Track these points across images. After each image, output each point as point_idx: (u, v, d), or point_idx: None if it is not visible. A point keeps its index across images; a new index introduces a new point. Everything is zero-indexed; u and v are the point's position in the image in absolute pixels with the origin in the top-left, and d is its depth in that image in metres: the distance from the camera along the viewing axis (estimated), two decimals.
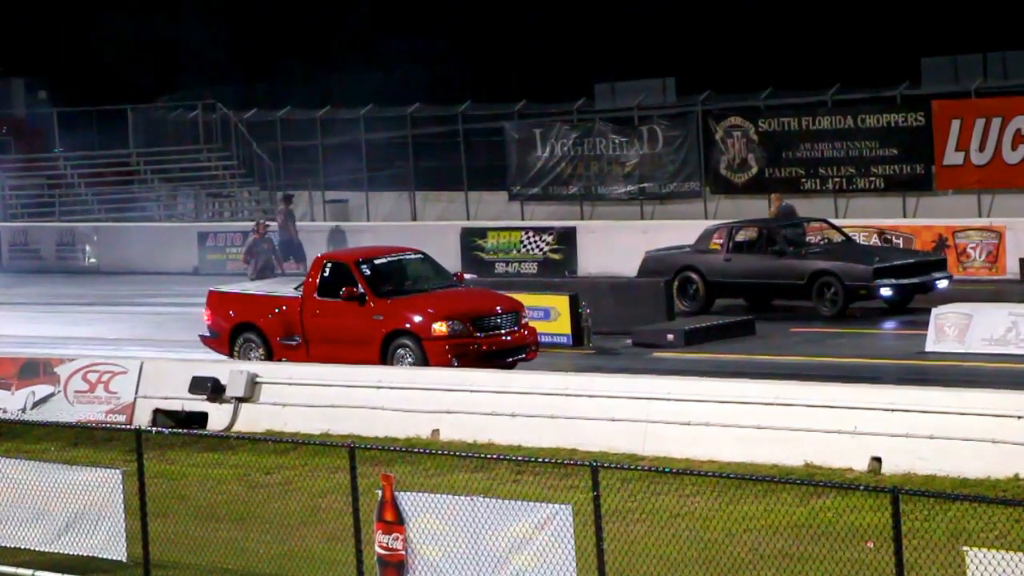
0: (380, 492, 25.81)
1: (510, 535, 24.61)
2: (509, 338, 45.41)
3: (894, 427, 34.59)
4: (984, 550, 21.05)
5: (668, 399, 37.71)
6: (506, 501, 25.91)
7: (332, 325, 46.02)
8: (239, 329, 47.26)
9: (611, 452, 33.10)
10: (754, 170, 64.98)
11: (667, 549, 26.61)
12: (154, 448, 32.47)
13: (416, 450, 33.90)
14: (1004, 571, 21.05)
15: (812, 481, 30.65)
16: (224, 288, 50.47)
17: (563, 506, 24.00)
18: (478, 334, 44.89)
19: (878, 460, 33.21)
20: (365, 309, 45.56)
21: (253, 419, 40.06)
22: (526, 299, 47.08)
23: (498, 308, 46.41)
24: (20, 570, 23.76)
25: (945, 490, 28.72)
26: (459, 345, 44.22)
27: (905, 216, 57.66)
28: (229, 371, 41.83)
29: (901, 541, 20.67)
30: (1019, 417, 33.70)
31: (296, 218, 62.50)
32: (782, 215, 57.05)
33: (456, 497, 26.32)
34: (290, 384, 41.23)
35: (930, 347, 43.33)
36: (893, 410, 35.53)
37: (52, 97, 74.31)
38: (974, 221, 55.95)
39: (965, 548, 21.24)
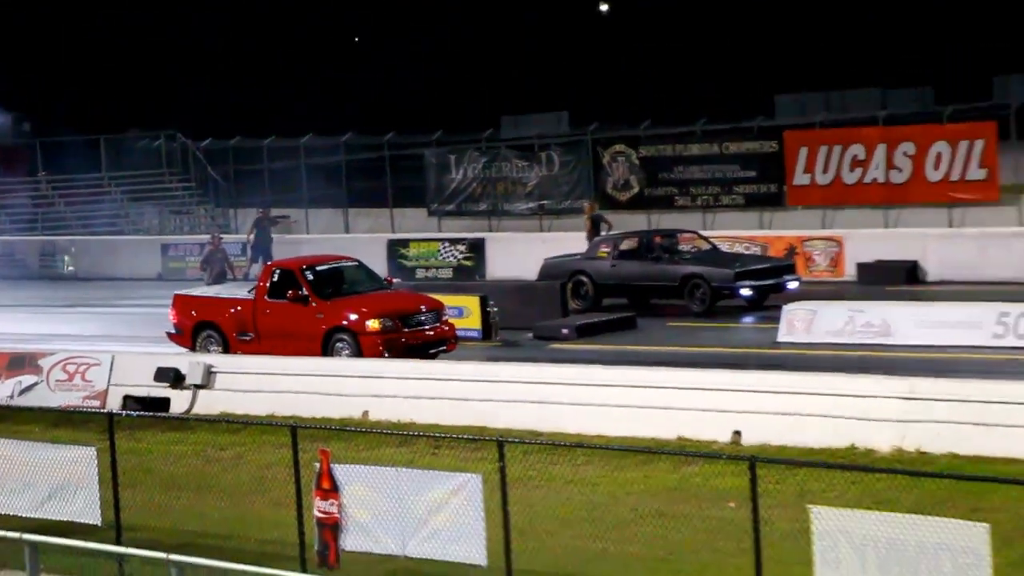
0: (318, 464, 26.27)
1: (429, 500, 25.07)
2: (432, 333, 45.57)
3: (752, 405, 34.97)
4: (825, 507, 21.65)
5: (563, 383, 38.10)
6: (425, 471, 26.64)
7: (280, 323, 46.00)
8: (200, 327, 47.12)
9: (515, 428, 33.06)
10: (635, 189, 65.30)
11: (561, 510, 27.21)
12: (124, 429, 32.72)
13: (349, 428, 33.85)
14: (841, 525, 21.65)
15: (683, 451, 31.39)
16: (187, 292, 50.54)
17: (474, 475, 24.47)
18: (405, 329, 45.01)
19: (738, 433, 33.51)
20: (309, 309, 45.65)
21: (209, 403, 40.33)
22: (443, 299, 47.47)
23: (422, 307, 46.46)
24: (10, 533, 23.89)
25: (794, 457, 29.17)
26: (389, 339, 44.31)
27: (761, 228, 57.98)
28: (188, 362, 42.14)
29: (757, 501, 21.29)
30: (854, 396, 34.23)
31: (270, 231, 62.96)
32: (594, 222, 57.40)
33: (383, 468, 26.77)
34: (241, 373, 41.60)
35: (782, 338, 43.71)
36: (751, 391, 36.06)
37: (35, 129, 74.09)
38: (818, 232, 56.36)
39: (810, 506, 21.86)
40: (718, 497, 26.50)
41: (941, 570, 20.51)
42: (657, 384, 37.59)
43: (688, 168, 65.57)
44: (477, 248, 61.43)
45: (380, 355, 43.78)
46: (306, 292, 46.13)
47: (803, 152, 63.13)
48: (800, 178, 62.07)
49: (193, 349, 45.79)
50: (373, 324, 44.80)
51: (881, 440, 32.04)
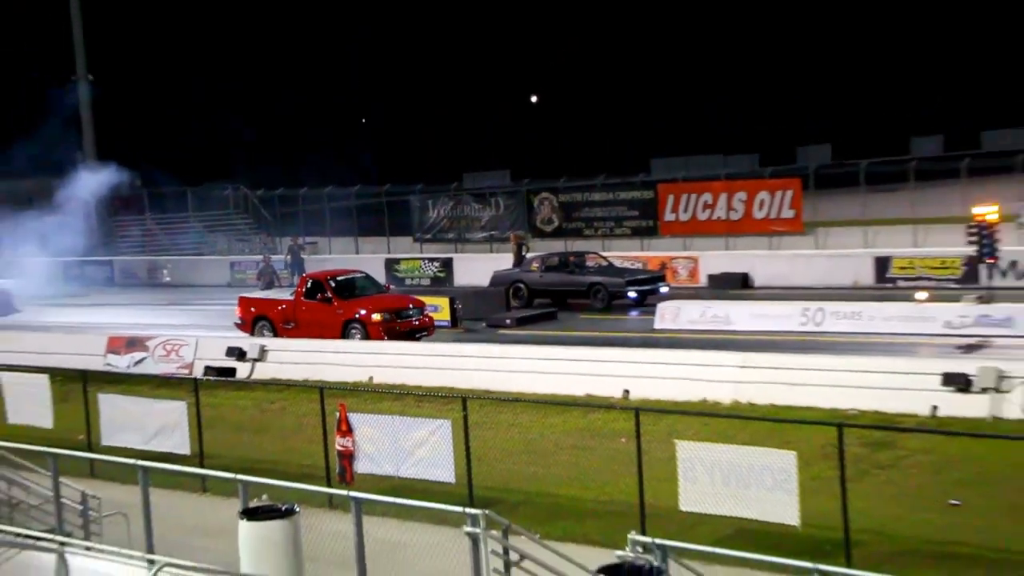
0: (338, 413, 26.68)
1: (414, 438, 25.54)
2: (417, 323, 45.51)
3: (636, 372, 34.78)
4: (686, 441, 22.17)
5: (507, 357, 38.21)
6: (412, 418, 26.70)
7: (312, 316, 45.91)
8: (257, 319, 46.92)
9: (475, 389, 32.87)
10: (556, 224, 64.83)
11: (506, 444, 27.29)
12: (205, 389, 32.51)
13: (360, 389, 33.72)
14: (697, 453, 22.19)
15: (589, 404, 31.59)
16: (248, 295, 50.15)
17: (445, 421, 24.98)
18: (398, 320, 45.10)
19: (627, 391, 33.23)
20: (331, 306, 45.67)
21: (263, 372, 40.10)
22: (425, 299, 47.67)
23: (410, 305, 46.37)
24: (128, 460, 23.91)
25: (665, 407, 29.32)
26: (387, 327, 44.40)
27: (642, 251, 57.56)
28: (248, 343, 42.28)
29: (640, 438, 21.84)
30: (705, 365, 34.56)
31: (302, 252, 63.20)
32: (518, 246, 57.75)
33: (383, 416, 27.24)
34: (285, 351, 41.48)
35: (656, 326, 43.20)
36: (636, 362, 36.09)
37: (143, 182, 73.56)
38: (681, 253, 56.04)
39: (676, 440, 22.38)
40: (614, 435, 26.45)
41: (764, 483, 21.04)
42: (571, 358, 37.53)
43: (592, 209, 65.28)
44: (447, 264, 61.27)
45: (381, 338, 43.78)
46: (330, 295, 46.26)
47: (670, 198, 63.13)
48: (668, 216, 62.00)
49: (252, 334, 45.53)
50: (376, 317, 44.78)
51: (723, 395, 32.14)
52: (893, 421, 27.89)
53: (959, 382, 30.12)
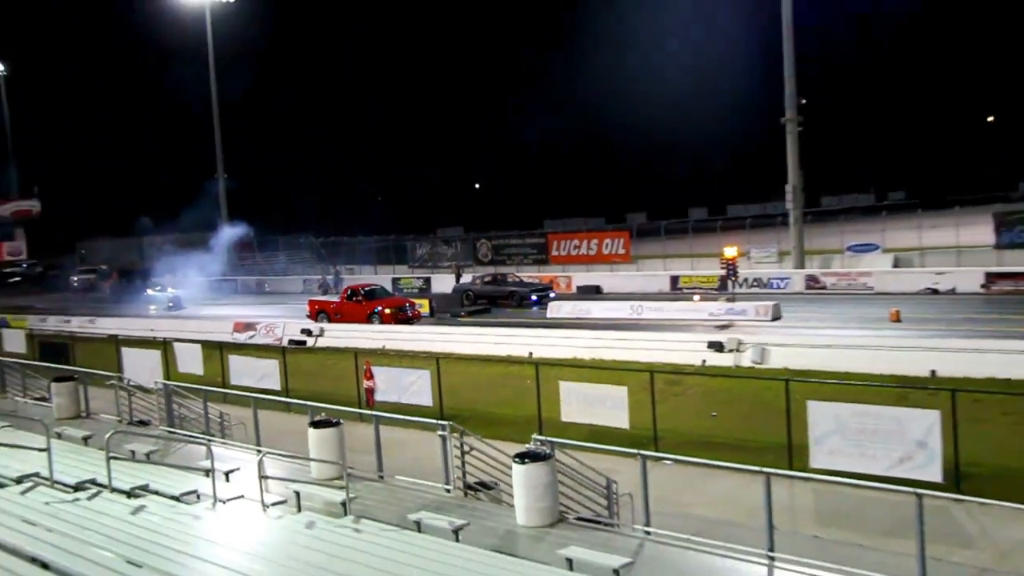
0: (365, 366, 26.47)
1: (408, 380, 25.42)
2: (411, 314, 44.91)
3: (536, 341, 34.54)
4: (565, 381, 21.98)
5: (463, 333, 37.94)
6: (407, 369, 26.53)
7: (350, 310, 45.23)
8: (319, 312, 46.10)
9: (444, 352, 31.95)
10: (490, 257, 65.34)
11: (462, 382, 27.20)
12: (288, 353, 32.54)
13: (378, 352, 33.61)
14: (572, 387, 22.08)
15: (510, 359, 31.35)
16: (313, 298, 49.53)
17: (426, 371, 24.74)
18: (400, 312, 44.63)
19: (531, 352, 32.59)
20: (361, 304, 45.09)
21: (322, 343, 39.93)
22: (415, 300, 47.30)
23: (406, 303, 45.54)
24: (245, 393, 24.09)
25: (552, 362, 29.00)
26: (394, 316, 44.02)
27: (539, 273, 57.28)
28: (314, 326, 42.02)
29: (539, 381, 21.65)
30: (574, 337, 34.52)
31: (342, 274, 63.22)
32: (457, 272, 58.36)
33: (391, 368, 27.03)
34: (334, 331, 41.28)
35: (548, 315, 43.34)
36: (537, 336, 35.83)
37: (256, 232, 72.29)
38: (561, 274, 55.88)
39: (560, 381, 22.20)
40: (524, 378, 25.95)
41: (607, 404, 21.08)
42: (498, 333, 37.30)
43: (510, 248, 65.09)
44: (428, 280, 60.80)
45: (389, 322, 43.24)
46: (360, 297, 45.99)
47: (555, 242, 63.16)
48: (554, 252, 61.73)
49: (315, 320, 44.73)
50: (387, 310, 44.41)
51: (586, 355, 31.84)
52: (680, 369, 27.87)
53: (717, 346, 30.54)
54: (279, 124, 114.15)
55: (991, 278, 42.28)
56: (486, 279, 52.80)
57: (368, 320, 44.59)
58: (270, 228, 72.40)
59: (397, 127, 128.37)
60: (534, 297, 49.12)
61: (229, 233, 69.93)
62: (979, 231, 49.09)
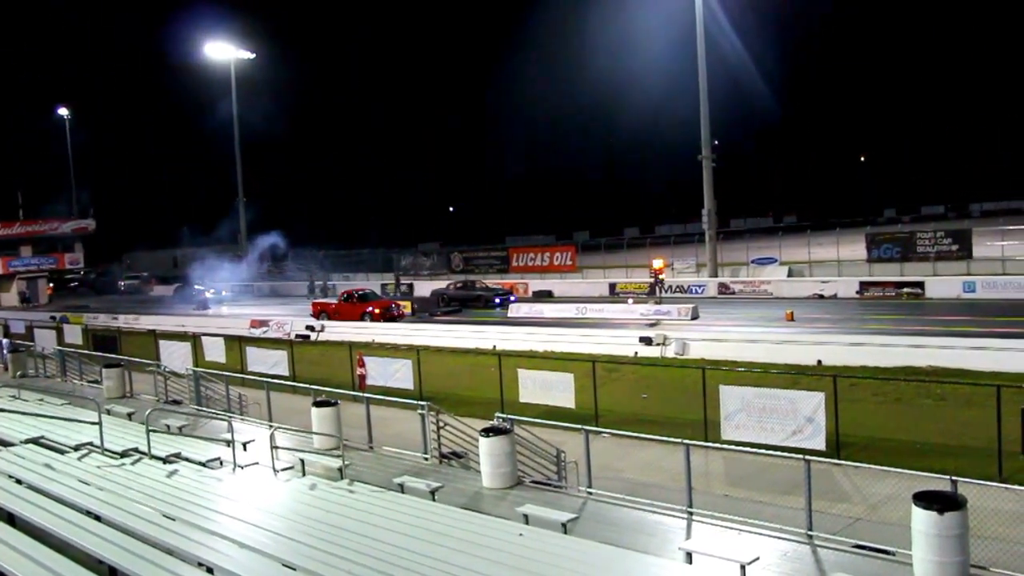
0: (357, 356, 26.23)
1: (394, 368, 25.19)
2: (397, 313, 44.30)
3: (500, 337, 34.25)
4: (523, 369, 21.92)
5: (439, 329, 37.66)
6: (393, 359, 26.28)
7: (346, 309, 44.49)
8: (320, 311, 45.35)
9: (424, 345, 31.83)
10: (462, 268, 64.16)
11: (438, 369, 26.92)
12: (296, 345, 32.19)
13: (370, 344, 33.05)
14: (528, 374, 21.96)
15: (478, 351, 31.25)
16: (316, 300, 49.31)
17: (408, 360, 24.47)
18: (387, 311, 43.89)
19: (495, 345, 32.54)
20: (355, 305, 44.39)
21: (323, 337, 39.35)
22: (400, 302, 46.94)
23: (392, 304, 44.77)
24: (259, 378, 23.94)
25: (512, 352, 28.91)
26: (383, 314, 43.27)
27: (502, 280, 57.02)
28: (317, 323, 41.66)
29: (501, 369, 21.51)
30: (531, 333, 34.35)
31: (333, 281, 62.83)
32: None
33: (379, 358, 26.80)
34: (333, 327, 40.79)
35: (509, 315, 43.18)
36: (500, 331, 35.55)
37: (269, 248, 70.44)
38: (520, 281, 55.66)
39: (519, 369, 22.12)
40: (489, 366, 25.68)
41: (559, 388, 20.99)
42: (468, 329, 36.73)
43: (478, 260, 64.76)
44: (411, 286, 60.32)
45: (378, 320, 42.47)
46: (355, 299, 45.44)
47: (515, 255, 63.04)
48: (515, 263, 61.61)
49: (318, 319, 43.96)
50: (376, 310, 43.77)
51: (539, 347, 31.57)
52: (616, 359, 27.78)
53: (646, 341, 30.43)
54: (296, 150, 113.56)
55: (864, 286, 42.67)
56: (458, 285, 52.25)
57: (361, 318, 43.65)
58: (286, 240, 71.01)
59: (391, 155, 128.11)
60: (497, 300, 48.41)
61: (258, 245, 69.18)
62: (855, 248, 49.52)
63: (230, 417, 19.55)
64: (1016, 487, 11.99)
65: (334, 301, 47.99)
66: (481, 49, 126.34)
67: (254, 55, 70.84)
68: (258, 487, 14.15)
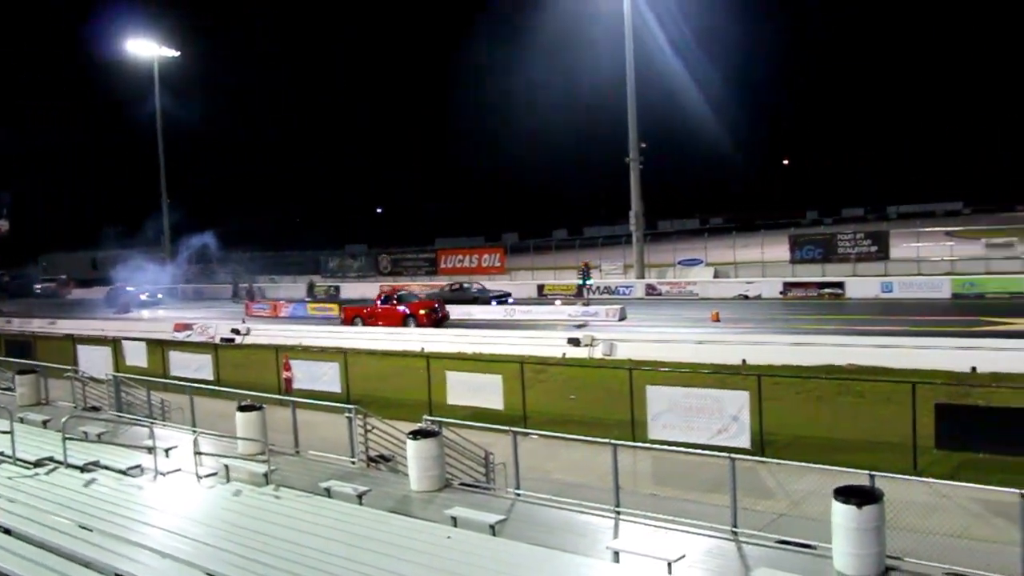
0: (284, 359, 25.99)
1: (322, 370, 25.02)
2: (441, 314, 39.87)
3: (429, 339, 33.87)
4: (453, 372, 21.80)
5: (368, 332, 37.03)
6: (320, 363, 25.92)
7: (385, 314, 39.61)
8: (355, 317, 40.40)
9: (351, 348, 31.11)
10: (389, 269, 63.84)
11: (366, 372, 26.70)
12: (221, 349, 31.66)
13: (296, 348, 32.33)
14: (456, 376, 21.89)
15: (407, 354, 30.78)
16: (349, 305, 44.96)
17: (335, 363, 24.11)
18: (435, 313, 39.47)
19: (423, 348, 31.63)
20: (395, 308, 39.82)
21: (248, 340, 38.34)
22: (330, 305, 45.94)
23: (437, 303, 40.44)
24: (183, 383, 23.45)
25: (443, 355, 28.64)
26: (430, 318, 38.81)
27: (430, 283, 56.50)
28: (242, 325, 40.71)
29: (430, 371, 21.40)
30: (462, 336, 34.23)
31: (259, 284, 62.05)
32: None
33: (307, 362, 26.54)
34: (260, 330, 39.74)
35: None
36: (429, 335, 35.30)
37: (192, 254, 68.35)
38: (447, 283, 55.61)
39: (447, 371, 22.02)
40: (418, 369, 25.10)
41: (488, 390, 21.06)
42: (396, 332, 36.42)
43: (407, 262, 64.46)
44: (338, 288, 59.37)
45: (425, 326, 38.13)
46: (394, 301, 40.66)
47: (443, 257, 63.00)
48: (443, 265, 61.64)
49: (351, 325, 39.74)
50: (421, 311, 39.33)
51: (468, 349, 31.20)
52: (545, 360, 27.83)
53: (574, 342, 30.59)
54: (226, 150, 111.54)
55: (788, 286, 43.53)
56: (453, 287, 48.71)
57: (404, 323, 38.86)
58: (216, 242, 69.01)
59: (320, 157, 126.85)
60: (494, 302, 44.83)
61: (186, 247, 67.62)
62: (778, 249, 50.48)
63: (152, 423, 19.09)
64: (930, 480, 12.44)
65: (366, 304, 42.56)
66: (414, 54, 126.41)
67: (179, 53, 69.69)
68: (180, 494, 13.92)
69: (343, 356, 25.64)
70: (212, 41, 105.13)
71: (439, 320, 39.26)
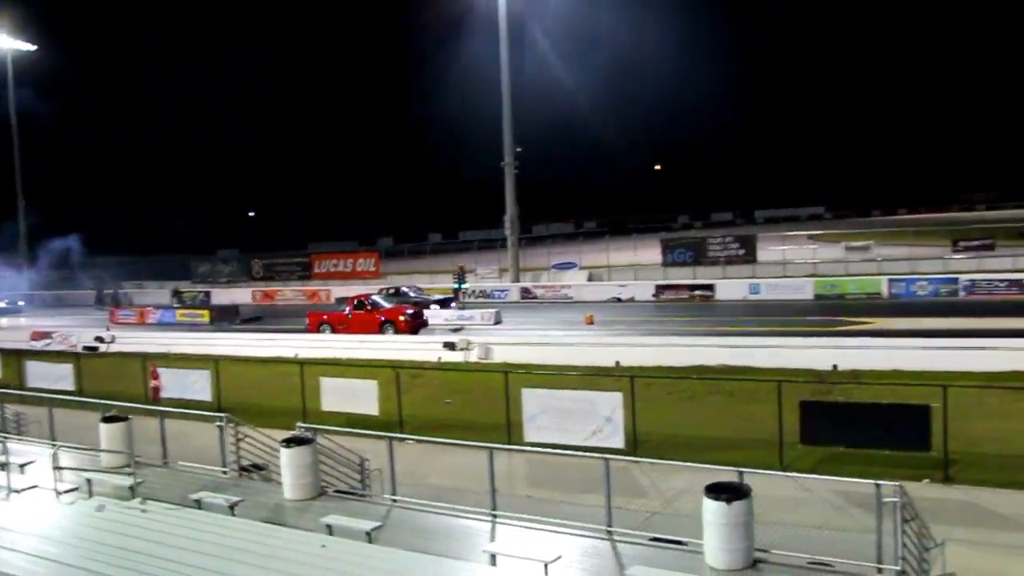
0: (151, 367, 25.18)
1: (192, 379, 24.29)
2: (423, 320, 37.75)
3: (303, 345, 33.38)
4: (328, 378, 21.46)
5: (239, 339, 36.32)
6: (190, 370, 25.14)
7: (361, 321, 36.87)
8: (322, 324, 37.96)
9: (223, 355, 30.17)
10: (262, 275, 62.82)
11: (239, 380, 25.92)
12: (83, 358, 30.46)
13: (164, 355, 31.03)
14: (329, 384, 21.50)
15: (280, 360, 30.33)
16: (314, 311, 41.50)
17: (205, 371, 23.42)
18: (418, 318, 37.55)
19: (297, 354, 31.25)
20: (371, 314, 37.21)
21: (113, 348, 37.15)
22: (199, 310, 44.77)
23: (419, 309, 38.37)
24: (42, 394, 22.42)
25: (318, 361, 28.22)
26: (414, 323, 36.86)
27: (304, 287, 55.83)
28: (106, 334, 39.27)
29: (303, 378, 21.02)
30: (330, 340, 33.74)
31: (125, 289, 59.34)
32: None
33: (175, 370, 25.70)
34: (126, 337, 38.25)
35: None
36: (304, 340, 34.75)
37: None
38: (322, 288, 54.43)
39: (321, 377, 21.67)
40: (291, 375, 24.77)
41: (362, 395, 20.86)
42: (270, 338, 35.58)
43: (280, 267, 63.24)
44: (208, 294, 57.99)
45: (405, 332, 35.76)
46: (369, 307, 37.74)
47: (317, 261, 61.96)
48: (317, 270, 60.65)
49: (318, 332, 37.44)
50: (401, 317, 36.80)
51: (342, 354, 30.99)
52: (420, 365, 27.55)
53: (450, 346, 30.59)
54: (94, 151, 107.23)
55: (660, 289, 44.64)
56: (390, 291, 45.70)
57: (380, 330, 36.26)
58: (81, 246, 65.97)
59: (189, 163, 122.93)
60: (436, 307, 42.33)
61: (48, 251, 64.52)
62: (651, 252, 51.75)
63: (5, 438, 18.17)
64: (795, 474, 12.90)
65: (336, 310, 39.82)
66: (278, 57, 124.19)
67: (35, 47, 66.60)
68: (37, 512, 13.27)
69: (214, 364, 24.97)
70: (74, 35, 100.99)
71: (419, 327, 37.26)
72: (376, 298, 39.27)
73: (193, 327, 43.33)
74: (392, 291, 45.57)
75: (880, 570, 9.79)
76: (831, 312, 35.29)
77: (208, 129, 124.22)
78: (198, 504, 13.33)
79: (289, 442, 14.40)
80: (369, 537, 11.48)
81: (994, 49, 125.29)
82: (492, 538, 11.93)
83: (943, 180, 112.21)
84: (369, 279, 57.54)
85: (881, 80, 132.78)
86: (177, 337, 38.09)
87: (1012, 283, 38.05)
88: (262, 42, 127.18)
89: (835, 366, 22.90)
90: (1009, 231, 55.75)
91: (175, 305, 52.78)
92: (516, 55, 50.40)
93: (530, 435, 17.72)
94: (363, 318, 37.05)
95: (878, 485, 9.90)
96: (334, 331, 36.77)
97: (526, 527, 12.09)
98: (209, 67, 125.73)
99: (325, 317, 38.45)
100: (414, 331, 36.21)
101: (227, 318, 46.22)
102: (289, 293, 56.11)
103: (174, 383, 24.83)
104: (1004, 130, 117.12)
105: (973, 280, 39.00)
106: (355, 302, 38.43)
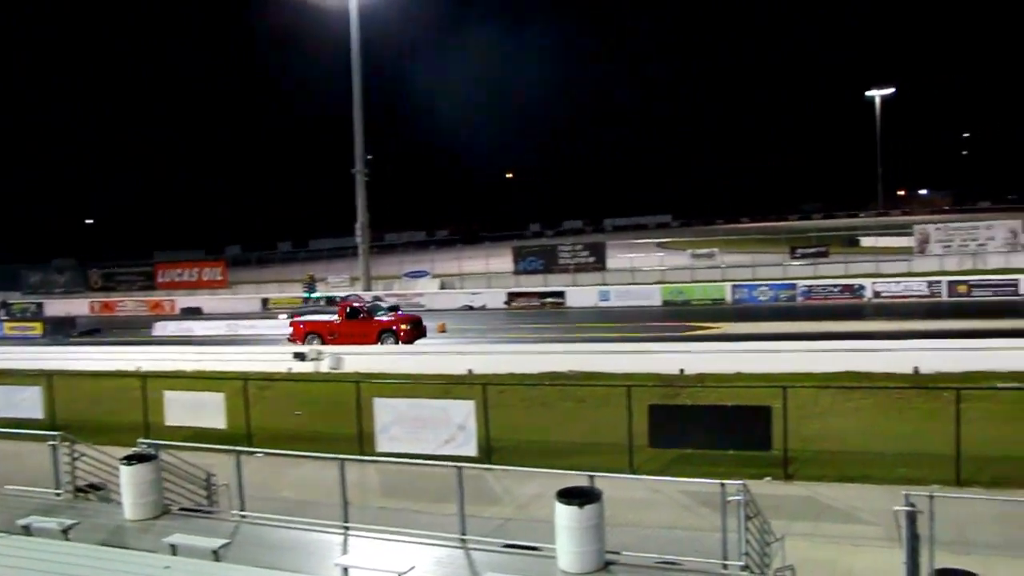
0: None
1: (20, 396, 23.08)
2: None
3: (146, 357, 31.69)
4: (172, 391, 20.78)
5: (76, 352, 34.47)
6: (17, 387, 23.88)
7: (352, 330, 33.64)
8: (308, 334, 34.41)
9: (57, 369, 28.28)
10: (100, 284, 60.27)
11: (75, 395, 24.82)
12: None
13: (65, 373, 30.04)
14: (177, 399, 20.81)
15: (120, 374, 29.06)
16: (298, 319, 36.70)
17: (36, 387, 22.23)
18: (419, 327, 34.60)
19: (139, 367, 30.18)
20: (368, 323, 34.04)
21: None
22: (32, 324, 42.44)
23: (418, 318, 35.28)
24: None
25: (161, 374, 27.14)
26: (414, 333, 33.96)
27: (147, 296, 53.89)
28: None
29: (146, 392, 20.18)
30: (175, 353, 32.82)
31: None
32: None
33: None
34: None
35: (156, 334, 40.75)
36: (146, 353, 33.39)
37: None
38: (167, 298, 52.78)
39: (165, 391, 20.90)
40: (133, 389, 23.78)
41: (211, 410, 20.22)
42: (109, 351, 33.97)
43: (120, 275, 60.72)
44: (41, 305, 54.97)
45: (405, 342, 33.20)
46: (364, 315, 34.39)
47: (161, 271, 59.62)
48: (160, 279, 58.49)
49: (304, 343, 33.33)
50: (403, 326, 33.94)
51: (188, 366, 30.06)
52: (270, 376, 26.73)
53: (300, 356, 30.09)
54: None
55: (512, 296, 45.21)
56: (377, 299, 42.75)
57: (379, 340, 33.37)
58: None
59: (14, 167, 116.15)
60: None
61: None
62: (502, 260, 52.30)
63: None
64: (644, 476, 13.27)
65: (327, 318, 35.88)
66: (123, 57, 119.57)
67: None
68: None
69: (47, 379, 23.68)
70: None
71: (419, 337, 34.35)
72: (372, 305, 36.63)
73: (24, 340, 41.00)
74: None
75: (725, 566, 10.09)
76: (677, 318, 36.50)
77: (42, 132, 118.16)
78: (26, 530, 12.62)
79: (130, 459, 13.83)
80: (216, 555, 11.15)
81: (826, 68, 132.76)
82: (344, 551, 11.77)
83: (781, 191, 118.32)
84: (216, 288, 56.03)
85: (726, 95, 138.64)
86: (4, 352, 35.90)
87: (844, 287, 40.49)
88: (107, 43, 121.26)
89: (682, 370, 23.59)
90: (841, 239, 59.28)
91: (3, 318, 49.86)
92: (370, 62, 49.99)
93: (383, 445, 17.57)
94: (357, 327, 34.03)
95: (723, 484, 10.21)
96: (323, 342, 32.86)
97: (379, 538, 11.97)
98: (46, 67, 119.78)
99: (303, 326, 35.15)
100: (411, 342, 33.53)
101: (62, 331, 44.03)
102: (131, 304, 53.80)
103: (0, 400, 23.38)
104: (835, 144, 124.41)
105: (810, 286, 41.17)
106: (347, 309, 35.08)
